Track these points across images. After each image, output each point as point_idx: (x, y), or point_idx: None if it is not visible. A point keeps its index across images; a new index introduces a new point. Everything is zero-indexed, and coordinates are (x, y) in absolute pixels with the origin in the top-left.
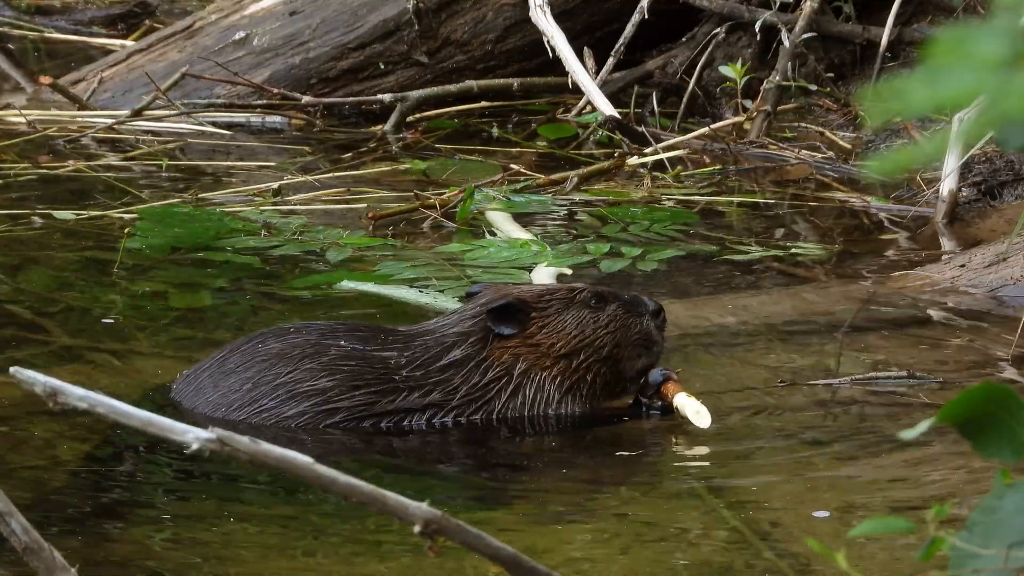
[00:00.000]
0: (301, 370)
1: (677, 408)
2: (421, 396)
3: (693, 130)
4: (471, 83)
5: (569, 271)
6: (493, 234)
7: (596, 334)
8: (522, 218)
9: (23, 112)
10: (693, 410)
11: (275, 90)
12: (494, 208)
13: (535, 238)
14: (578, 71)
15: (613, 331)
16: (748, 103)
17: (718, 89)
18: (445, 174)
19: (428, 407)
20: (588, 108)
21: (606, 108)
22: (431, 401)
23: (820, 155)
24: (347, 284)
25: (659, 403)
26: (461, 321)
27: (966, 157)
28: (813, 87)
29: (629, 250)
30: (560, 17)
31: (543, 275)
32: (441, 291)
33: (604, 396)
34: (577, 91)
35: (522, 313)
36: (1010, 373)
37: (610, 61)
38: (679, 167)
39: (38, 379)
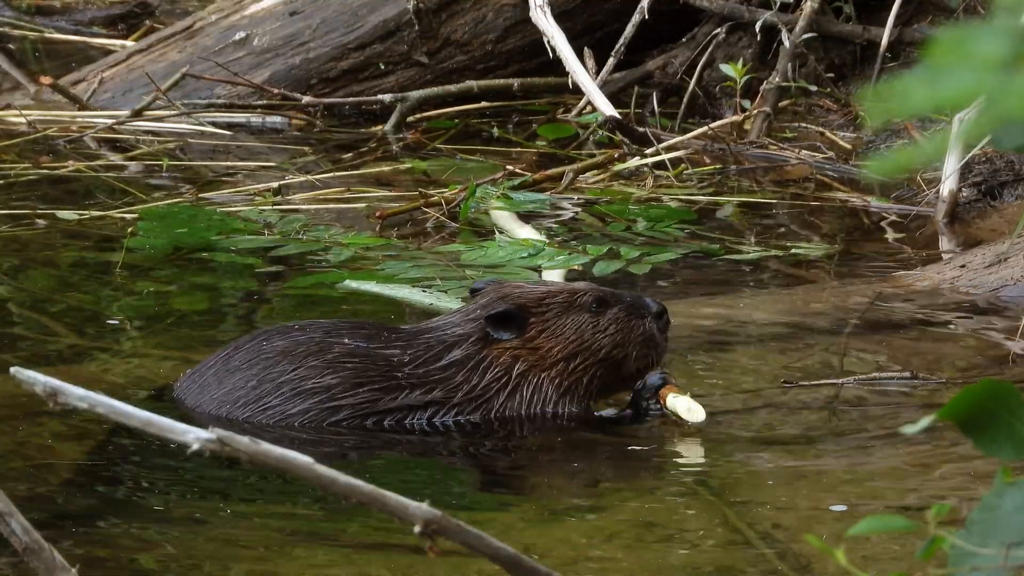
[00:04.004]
0: (306, 367)
1: (670, 410)
2: (423, 394)
3: (693, 130)
4: (471, 83)
5: (579, 268)
6: (501, 232)
7: (595, 339)
8: (524, 217)
9: (23, 112)
10: (684, 408)
11: (275, 90)
12: (497, 207)
13: (538, 235)
14: (578, 71)
15: (613, 335)
16: (748, 103)
17: (718, 89)
18: (446, 174)
19: (430, 405)
20: (588, 108)
21: (606, 108)
22: (433, 399)
23: (820, 155)
24: (350, 284)
25: (657, 406)
26: (462, 322)
27: (967, 158)
28: (813, 87)
29: (627, 251)
30: (560, 17)
31: (553, 273)
32: (444, 291)
33: (602, 395)
34: (577, 91)
35: (520, 319)
36: (1011, 372)
37: (610, 61)
38: (683, 165)
39: (38, 379)
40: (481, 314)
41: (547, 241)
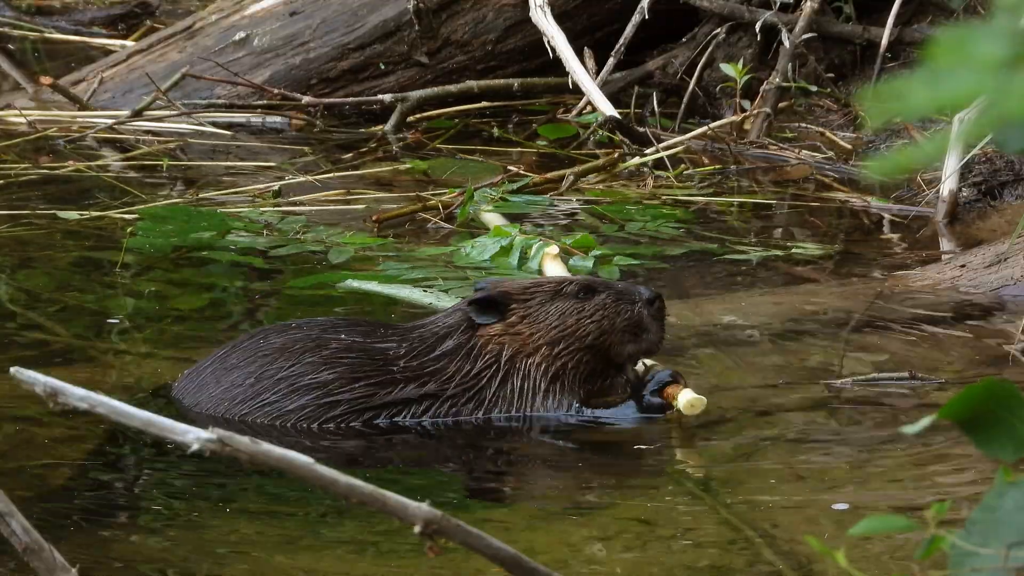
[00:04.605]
0: (302, 364)
1: (678, 408)
2: (418, 387)
3: (693, 130)
4: (471, 83)
5: (556, 249)
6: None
7: (579, 323)
8: (520, 219)
9: (23, 112)
10: (686, 403)
11: (275, 90)
12: (487, 210)
13: (516, 232)
14: (578, 71)
15: (599, 320)
16: (748, 103)
17: (718, 89)
18: (446, 174)
19: (424, 398)
20: (588, 108)
21: (606, 108)
22: (427, 392)
23: (820, 155)
24: (350, 284)
25: (658, 399)
26: (451, 313)
27: (967, 158)
28: (813, 87)
29: (602, 250)
30: (560, 17)
31: (554, 269)
32: (445, 291)
33: (593, 382)
34: (577, 91)
35: (502, 304)
36: (1012, 373)
37: (610, 61)
38: (683, 166)
39: (38, 379)
40: (465, 303)
41: (520, 230)
